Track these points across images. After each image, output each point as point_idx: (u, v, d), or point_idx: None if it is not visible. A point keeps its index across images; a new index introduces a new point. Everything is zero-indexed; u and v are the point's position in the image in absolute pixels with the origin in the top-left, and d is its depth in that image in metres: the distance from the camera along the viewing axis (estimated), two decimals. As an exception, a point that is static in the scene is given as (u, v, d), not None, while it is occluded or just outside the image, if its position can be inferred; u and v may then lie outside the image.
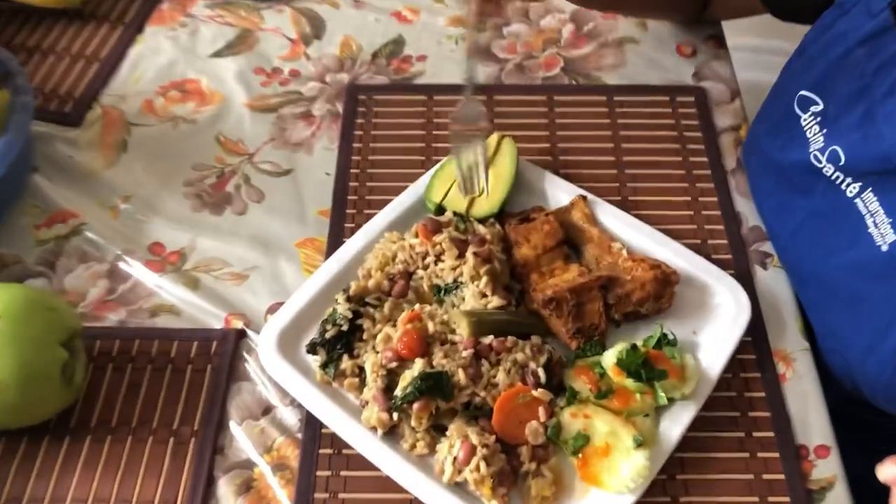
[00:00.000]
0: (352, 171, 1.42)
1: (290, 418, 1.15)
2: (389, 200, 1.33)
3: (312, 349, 1.15)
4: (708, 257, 1.30)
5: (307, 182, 1.41)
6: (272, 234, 1.34)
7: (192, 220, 1.36)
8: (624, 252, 1.20)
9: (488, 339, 1.11)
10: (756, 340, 1.22)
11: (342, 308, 1.14)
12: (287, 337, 1.17)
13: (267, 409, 1.16)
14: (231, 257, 1.32)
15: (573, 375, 1.12)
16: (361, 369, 1.13)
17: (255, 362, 1.19)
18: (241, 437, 1.13)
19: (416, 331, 1.10)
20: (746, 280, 1.28)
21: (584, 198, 1.29)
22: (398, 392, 1.07)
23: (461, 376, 1.06)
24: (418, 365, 1.07)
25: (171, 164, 1.43)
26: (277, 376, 1.13)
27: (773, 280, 1.30)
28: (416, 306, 1.17)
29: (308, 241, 1.34)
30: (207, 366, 1.19)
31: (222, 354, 1.20)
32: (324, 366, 1.14)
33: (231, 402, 1.16)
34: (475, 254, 1.18)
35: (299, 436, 1.13)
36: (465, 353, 1.09)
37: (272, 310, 1.25)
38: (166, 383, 1.17)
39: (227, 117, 1.51)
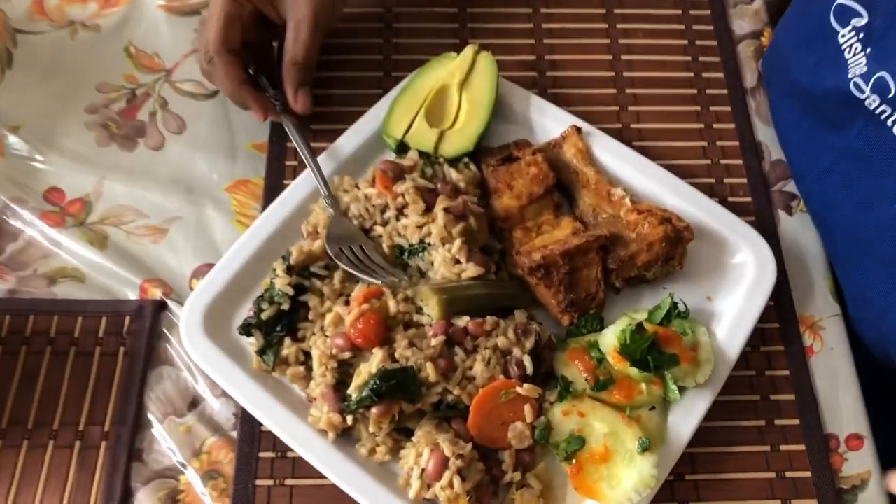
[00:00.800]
0: (293, 92, 1.15)
1: (223, 412, 0.95)
2: (341, 131, 1.08)
3: (246, 331, 0.93)
4: (723, 201, 1.09)
5: (237, 109, 1.15)
6: (197, 176, 1.10)
7: (97, 158, 1.11)
8: (627, 201, 0.98)
9: (463, 321, 0.91)
10: (780, 305, 1.03)
11: (281, 282, 0.92)
12: (216, 312, 0.96)
13: (194, 402, 0.96)
14: (146, 206, 1.07)
15: (565, 361, 0.92)
16: (308, 355, 0.93)
17: (179, 342, 0.97)
18: (164, 439, 0.93)
19: (373, 313, 0.89)
20: (769, 229, 1.08)
21: (579, 130, 1.05)
22: (352, 393, 0.87)
23: (430, 371, 0.86)
24: (377, 357, 0.86)
25: (69, 84, 1.16)
26: (204, 363, 0.92)
27: (800, 228, 1.09)
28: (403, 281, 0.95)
29: (241, 185, 1.10)
30: (119, 348, 0.97)
31: (137, 333, 0.98)
32: (261, 351, 0.93)
33: (150, 394, 0.95)
34: (446, 210, 0.96)
35: (234, 434, 0.94)
36: (434, 342, 0.88)
37: (199, 273, 1.03)
38: (69, 371, 0.96)
39: (138, 22, 1.22)
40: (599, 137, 1.07)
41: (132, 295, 1.01)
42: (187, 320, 0.94)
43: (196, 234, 1.06)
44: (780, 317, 1.02)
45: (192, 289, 1.02)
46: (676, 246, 0.95)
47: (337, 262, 0.94)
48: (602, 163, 1.06)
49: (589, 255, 0.94)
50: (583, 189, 1.01)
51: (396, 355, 0.87)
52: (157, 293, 1.01)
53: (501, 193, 1.00)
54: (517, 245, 0.97)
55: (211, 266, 1.02)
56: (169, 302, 1.01)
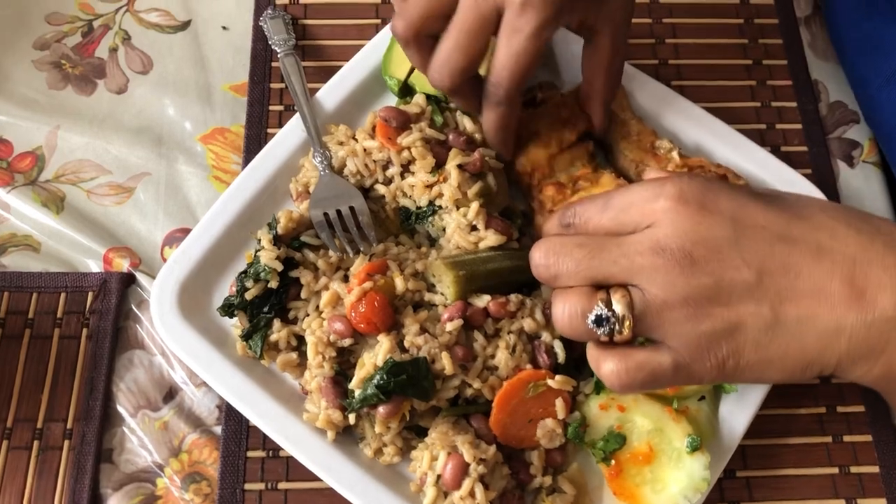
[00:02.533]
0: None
1: (205, 404, 0.82)
2: (334, 70, 0.92)
3: (228, 312, 0.80)
4: (775, 150, 0.95)
5: (213, 40, 0.99)
6: (166, 124, 0.94)
7: (50, 104, 0.95)
8: (675, 154, 0.84)
9: (482, 301, 0.77)
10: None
11: (268, 256, 0.78)
12: (192, 288, 0.82)
13: (171, 393, 0.83)
14: (108, 160, 0.92)
15: (601, 344, 0.79)
16: (301, 339, 0.79)
17: (151, 322, 0.84)
18: (137, 436, 0.81)
19: (378, 293, 0.75)
20: (827, 183, 0.94)
21: None
22: (355, 388, 0.74)
23: (445, 362, 0.73)
24: (383, 346, 0.73)
25: (13, 16, 0.99)
26: (179, 349, 0.79)
27: (863, 181, 0.96)
28: (379, 247, 0.81)
29: (217, 134, 0.94)
30: (82, 330, 0.84)
31: (102, 312, 0.84)
32: (246, 336, 0.79)
33: (119, 384, 0.82)
34: (460, 167, 0.81)
35: (218, 430, 0.81)
36: (450, 327, 0.75)
37: (171, 240, 0.89)
38: (23, 358, 0.83)
39: (92, -61, 1.04)
40: (638, 79, 0.91)
41: (95, 267, 0.87)
42: (159, 298, 0.81)
43: (167, 193, 0.91)
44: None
45: (164, 258, 0.88)
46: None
47: (317, 231, 0.80)
48: (642, 108, 0.91)
49: None
50: (622, 141, 0.86)
51: (406, 343, 0.74)
52: (123, 264, 0.87)
53: (526, 143, 0.85)
54: (549, 205, 0.82)
55: (185, 231, 0.88)
56: (137, 275, 0.87)
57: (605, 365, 0.58)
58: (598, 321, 0.57)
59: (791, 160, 0.94)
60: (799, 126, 0.97)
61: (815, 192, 0.86)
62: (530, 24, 0.69)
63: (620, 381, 0.58)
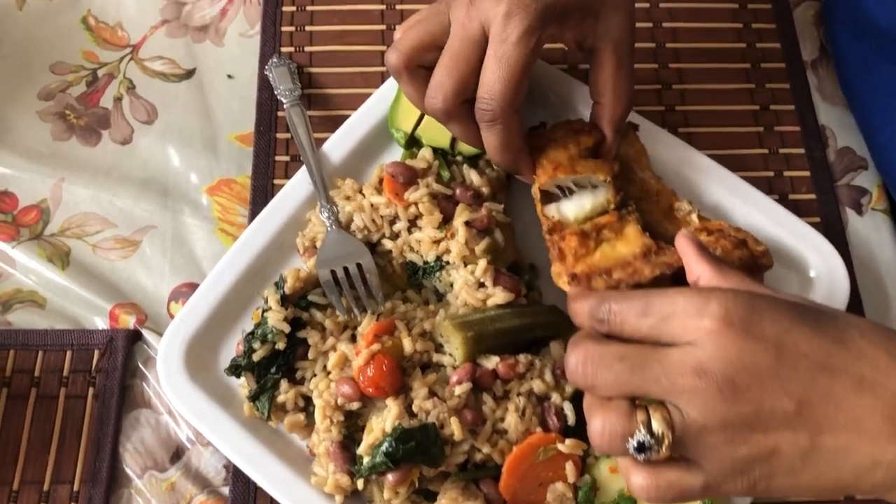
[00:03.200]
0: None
1: (212, 464, 0.82)
2: (341, 119, 0.92)
3: (235, 372, 0.79)
4: (783, 198, 0.95)
5: (219, 89, 0.99)
6: (171, 175, 0.94)
7: (55, 155, 0.95)
8: (694, 217, 0.83)
9: (491, 362, 0.77)
10: (850, 323, 0.88)
11: (275, 317, 0.78)
12: (199, 346, 0.82)
13: (178, 453, 0.82)
14: (114, 213, 0.92)
15: (611, 404, 0.78)
16: (308, 400, 0.79)
17: (157, 380, 0.83)
18: (145, 497, 0.80)
19: (386, 355, 0.75)
20: (836, 232, 0.93)
21: (636, 127, 0.88)
22: (363, 454, 0.73)
23: (455, 428, 0.73)
24: (392, 412, 0.73)
25: (18, 66, 0.99)
26: (186, 410, 0.79)
27: (872, 230, 0.95)
28: (387, 304, 0.81)
29: (223, 185, 0.94)
30: (88, 388, 0.84)
31: (109, 370, 0.84)
32: (253, 396, 0.79)
33: (126, 444, 0.82)
34: (467, 224, 0.80)
35: (225, 491, 0.81)
36: (458, 391, 0.74)
37: (177, 295, 0.88)
38: (29, 418, 0.82)
39: (97, -13, 1.04)
40: (651, 130, 0.91)
41: (101, 323, 0.87)
42: (165, 358, 0.80)
43: (173, 246, 0.91)
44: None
45: (170, 314, 0.87)
46: (753, 275, 0.80)
47: (325, 290, 0.80)
48: (657, 163, 0.90)
49: (657, 284, 0.79)
50: (642, 202, 0.85)
51: (414, 407, 0.74)
52: (129, 321, 0.86)
53: (544, 148, 0.82)
54: (570, 257, 0.77)
55: (191, 286, 0.88)
56: (144, 332, 0.86)
57: (635, 478, 0.58)
58: (640, 448, 0.56)
59: (799, 208, 0.93)
60: (807, 173, 0.96)
61: (827, 248, 0.86)
62: (516, 30, 0.69)
63: (649, 496, 0.58)
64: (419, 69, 0.77)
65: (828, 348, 0.55)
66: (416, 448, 0.71)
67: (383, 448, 0.71)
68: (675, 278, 0.76)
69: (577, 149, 0.81)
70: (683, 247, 0.69)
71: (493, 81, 0.71)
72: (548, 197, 0.81)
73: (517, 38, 0.70)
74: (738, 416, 0.54)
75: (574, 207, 0.80)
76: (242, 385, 0.80)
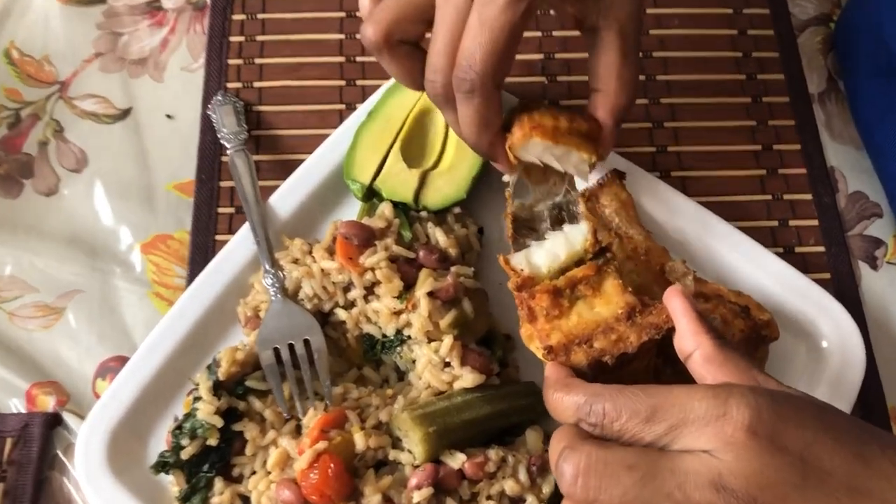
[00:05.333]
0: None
1: (140, 572, 0.71)
2: (292, 165, 0.82)
3: (162, 469, 0.69)
4: (790, 252, 0.85)
5: (157, 131, 0.88)
6: (101, 231, 0.84)
7: (-31, 209, 0.84)
8: (689, 282, 0.72)
9: (457, 461, 0.66)
10: (864, 394, 0.78)
11: (206, 410, 0.67)
12: (126, 436, 0.72)
13: (100, 559, 0.71)
14: (35, 276, 0.82)
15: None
16: (248, 500, 0.68)
17: (78, 472, 0.72)
18: None
19: (332, 455, 0.64)
20: (848, 289, 0.84)
21: (622, 175, 0.78)
22: (307, 573, 0.63)
23: (413, 542, 0.62)
24: (339, 524, 0.62)
25: (-70, 105, 0.88)
26: (108, 513, 0.68)
27: (888, 285, 0.85)
28: (336, 390, 0.70)
29: (159, 242, 0.84)
30: (-2, 484, 0.73)
31: (22, 463, 0.74)
32: (184, 498, 0.68)
33: (40, 550, 0.71)
34: (431, 294, 0.70)
35: None
36: (417, 497, 0.64)
37: (104, 371, 0.78)
38: (-71, 520, 0.71)
39: (22, 16, 0.93)
40: (639, 177, 0.80)
41: (16, 406, 0.76)
42: (85, 450, 0.70)
43: (101, 314, 0.80)
44: (865, 409, 0.79)
45: (96, 393, 0.77)
46: (756, 348, 0.70)
47: (266, 375, 0.70)
48: (645, 213, 0.80)
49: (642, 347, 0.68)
50: (628, 262, 0.74)
51: (367, 518, 0.63)
52: (48, 402, 0.76)
53: (513, 130, 0.68)
54: (541, 318, 0.67)
55: (120, 360, 0.78)
56: (65, 415, 0.76)
57: None
58: None
59: (807, 263, 0.84)
60: (815, 222, 0.86)
61: (840, 313, 0.76)
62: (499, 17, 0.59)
63: None
64: (402, 45, 0.65)
65: (851, 466, 0.48)
66: (367, 569, 0.61)
67: (329, 571, 0.61)
68: (664, 339, 0.66)
69: (567, 124, 0.68)
70: (677, 309, 0.60)
71: (473, 48, 0.60)
72: (516, 242, 0.70)
73: (505, 1, 0.59)
74: None
75: (546, 256, 0.70)
76: (173, 482, 0.70)
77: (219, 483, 0.68)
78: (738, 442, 0.47)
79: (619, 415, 0.51)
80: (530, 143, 0.67)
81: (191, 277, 0.80)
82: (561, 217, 0.75)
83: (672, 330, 0.62)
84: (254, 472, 0.68)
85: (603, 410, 0.51)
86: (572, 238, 0.70)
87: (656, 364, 0.69)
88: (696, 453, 0.48)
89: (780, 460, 0.47)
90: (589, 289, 0.68)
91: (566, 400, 0.54)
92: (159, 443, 0.72)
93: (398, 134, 0.80)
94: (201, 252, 0.82)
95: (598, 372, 0.64)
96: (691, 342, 0.57)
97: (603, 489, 0.48)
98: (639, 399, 0.51)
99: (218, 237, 0.83)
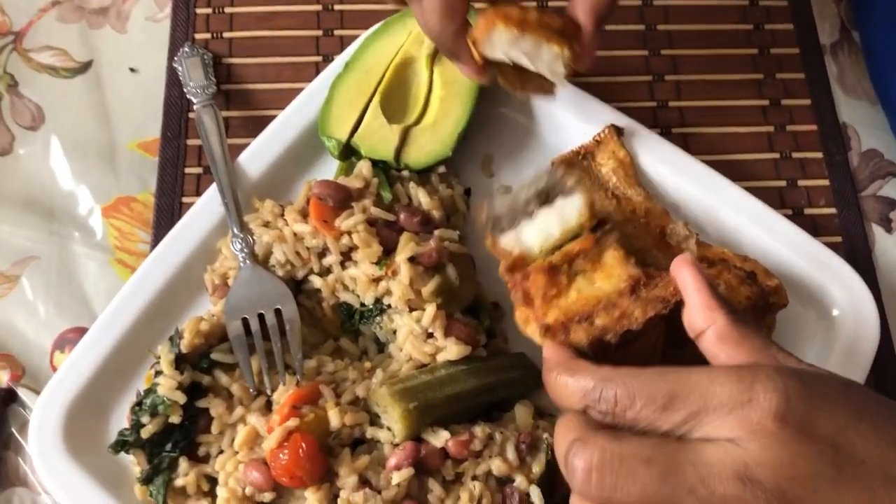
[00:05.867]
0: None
1: (101, 557, 0.66)
2: (265, 121, 0.76)
3: (122, 449, 0.64)
4: (799, 214, 0.79)
5: (119, 85, 0.82)
6: (59, 193, 0.78)
7: (-85, 169, 0.78)
8: (692, 245, 0.67)
9: (440, 439, 0.61)
10: (878, 365, 0.73)
11: (167, 385, 0.62)
12: (83, 414, 0.67)
13: (58, 543, 0.67)
14: (-13, 241, 0.76)
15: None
16: (215, 482, 0.63)
17: (35, 452, 0.67)
18: None
19: (304, 434, 0.59)
20: (860, 254, 0.78)
21: (619, 131, 0.72)
22: (276, 561, 0.58)
23: (391, 527, 0.57)
24: (311, 506, 0.57)
25: None
26: (64, 495, 0.63)
27: (904, 249, 0.79)
28: (310, 363, 0.65)
29: (122, 205, 0.78)
30: (-53, 464, 0.68)
31: (-27, 441, 0.68)
32: (146, 479, 0.63)
33: (-7, 534, 0.67)
34: (412, 260, 0.65)
35: (117, 592, 0.65)
36: (397, 478, 0.59)
37: (63, 343, 0.73)
38: None
39: (-28, -39, 0.86)
40: (638, 135, 0.75)
41: (-33, 380, 0.71)
42: (40, 430, 0.65)
43: (59, 282, 0.75)
44: (879, 380, 0.74)
45: (53, 367, 0.72)
46: (764, 315, 0.65)
47: (233, 348, 0.64)
48: (644, 173, 0.74)
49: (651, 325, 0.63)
50: (625, 224, 0.69)
51: (340, 501, 0.58)
52: (2, 377, 0.71)
53: (477, 21, 0.63)
54: (538, 299, 0.61)
55: (80, 331, 0.73)
56: (19, 391, 0.71)
57: None
58: None
59: (817, 225, 0.79)
60: (826, 182, 0.81)
61: (852, 279, 0.71)
62: None
63: None
64: None
65: (885, 452, 0.44)
66: (341, 557, 0.56)
67: (299, 559, 0.56)
68: (671, 313, 0.60)
69: (537, 17, 0.62)
70: (686, 281, 0.54)
71: None
72: (495, 224, 0.64)
73: None
74: None
75: (538, 234, 0.63)
76: (135, 461, 0.65)
77: (183, 463, 0.63)
78: (766, 430, 0.42)
79: (632, 402, 0.45)
80: (494, 34, 0.61)
81: (155, 243, 0.75)
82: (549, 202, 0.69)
83: (680, 303, 0.56)
84: (221, 452, 0.63)
85: (615, 397, 0.46)
86: (566, 213, 0.64)
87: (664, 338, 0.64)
88: (720, 443, 0.43)
89: (811, 449, 0.42)
90: (588, 263, 0.61)
91: (572, 384, 0.49)
92: (121, 421, 0.67)
93: (377, 87, 0.74)
94: (167, 215, 0.76)
95: (601, 352, 0.58)
96: (703, 318, 0.51)
97: (619, 487, 0.43)
98: (654, 384, 0.45)
99: (185, 199, 0.77)
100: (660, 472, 0.42)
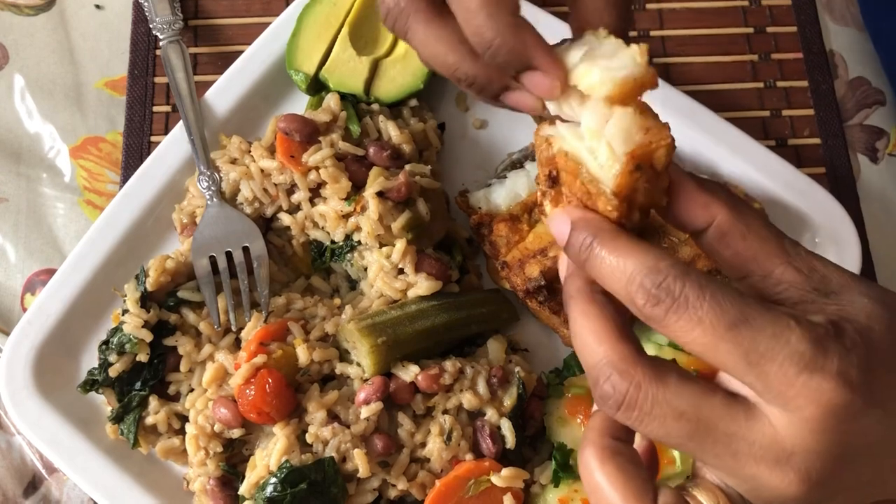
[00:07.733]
0: (162, -1, 0.79)
1: (77, 495, 0.67)
2: (233, 57, 0.74)
3: (91, 388, 0.63)
4: (782, 144, 0.77)
5: (85, 23, 0.80)
6: (26, 134, 0.77)
7: None
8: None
9: (409, 373, 0.61)
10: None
11: (134, 323, 0.61)
12: (53, 354, 0.67)
13: (33, 483, 0.67)
14: (-47, 184, 0.74)
15: (563, 416, 0.64)
16: (186, 419, 0.63)
17: (8, 394, 0.67)
18: (-8, 540, 0.65)
19: (271, 371, 0.59)
20: (845, 184, 0.77)
21: None
22: (245, 495, 0.58)
23: (360, 462, 0.57)
24: (280, 445, 0.57)
25: None
26: (35, 434, 0.63)
27: (889, 180, 0.78)
28: (278, 300, 0.64)
29: (90, 145, 0.77)
30: (-79, 407, 0.68)
31: (-55, 384, 0.68)
32: (117, 418, 0.63)
33: (-32, 475, 0.67)
34: (381, 194, 0.63)
35: (93, 529, 0.66)
36: (366, 412, 0.59)
37: (33, 285, 0.72)
38: None
39: None
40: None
41: (-63, 323, 0.70)
42: (9, 370, 0.65)
43: (28, 224, 0.74)
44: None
45: (24, 309, 0.71)
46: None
47: (200, 286, 0.64)
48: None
49: None
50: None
51: (308, 437, 0.58)
52: (-28, 319, 0.70)
53: None
54: (502, 250, 0.65)
55: (51, 273, 0.71)
56: (-10, 333, 0.70)
57: None
58: None
59: (800, 156, 0.77)
60: (810, 111, 0.79)
61: (833, 207, 0.69)
62: None
63: None
64: None
65: None
66: (308, 490, 0.56)
67: (266, 492, 0.56)
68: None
69: None
70: (673, 175, 0.45)
71: None
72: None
73: None
74: None
75: (505, 194, 0.67)
76: (105, 403, 0.64)
77: (153, 401, 0.63)
78: (822, 418, 0.38)
79: (699, 302, 0.39)
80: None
81: (124, 183, 0.73)
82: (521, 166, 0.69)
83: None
84: (191, 390, 0.63)
85: (683, 292, 0.39)
86: (533, 175, 0.64)
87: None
88: (765, 421, 0.39)
89: (858, 440, 0.39)
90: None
91: (622, 264, 0.41)
92: (92, 361, 0.66)
93: (346, 17, 0.72)
94: (135, 155, 0.75)
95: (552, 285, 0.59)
96: (701, 214, 0.44)
97: (645, 424, 0.40)
98: (729, 296, 0.39)
99: (153, 138, 0.76)
100: (689, 432, 0.40)
